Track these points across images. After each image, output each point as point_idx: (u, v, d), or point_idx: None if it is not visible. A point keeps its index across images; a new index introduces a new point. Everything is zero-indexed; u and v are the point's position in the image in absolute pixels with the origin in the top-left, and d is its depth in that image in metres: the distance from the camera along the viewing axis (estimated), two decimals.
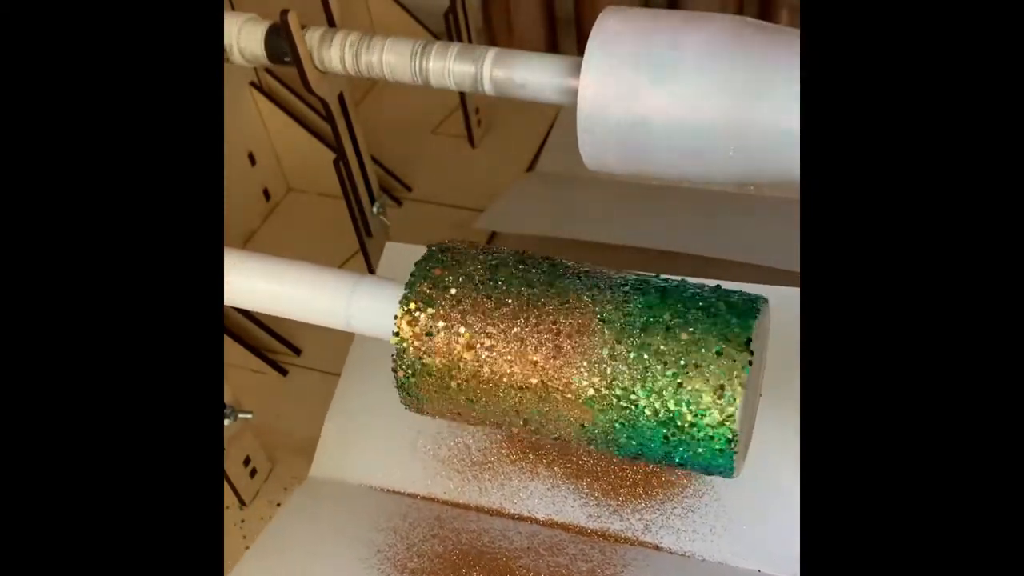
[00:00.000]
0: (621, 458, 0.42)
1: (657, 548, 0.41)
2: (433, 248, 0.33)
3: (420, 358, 0.31)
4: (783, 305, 0.34)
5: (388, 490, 0.46)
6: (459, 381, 0.31)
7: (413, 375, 0.32)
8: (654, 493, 0.43)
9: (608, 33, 0.33)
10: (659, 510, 0.42)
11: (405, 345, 0.31)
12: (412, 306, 0.31)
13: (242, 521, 0.51)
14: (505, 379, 0.30)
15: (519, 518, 0.43)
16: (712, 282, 0.31)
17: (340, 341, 0.39)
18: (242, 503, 0.52)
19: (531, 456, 0.44)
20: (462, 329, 0.31)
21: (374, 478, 0.46)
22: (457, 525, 0.43)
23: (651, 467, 0.43)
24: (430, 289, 0.31)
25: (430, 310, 0.31)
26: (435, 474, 0.45)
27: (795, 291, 0.29)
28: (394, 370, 0.32)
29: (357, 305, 0.34)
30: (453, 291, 0.31)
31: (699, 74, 0.32)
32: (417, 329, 0.31)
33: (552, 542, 0.42)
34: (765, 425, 0.34)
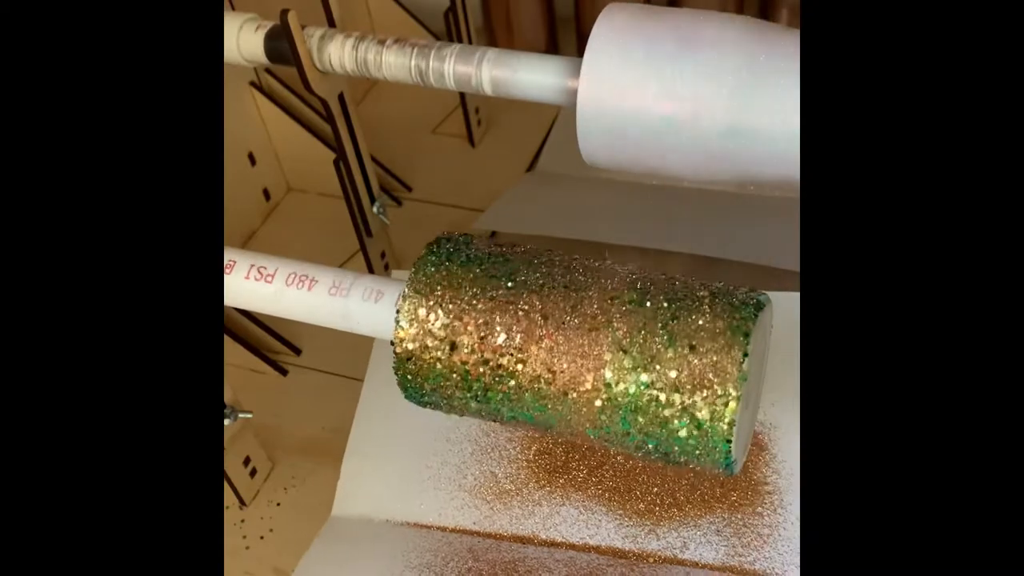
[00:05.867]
0: (653, 476, 0.42)
1: (697, 565, 0.41)
2: (434, 243, 0.33)
3: (421, 354, 0.31)
4: (783, 309, 0.34)
5: (415, 524, 0.44)
6: (462, 378, 0.31)
7: (414, 372, 0.32)
8: (689, 510, 0.42)
9: (608, 33, 0.33)
10: (696, 526, 0.42)
11: (406, 342, 0.31)
12: (413, 302, 0.31)
13: (242, 521, 0.51)
14: (508, 375, 0.30)
15: (554, 544, 0.42)
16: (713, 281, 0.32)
17: (340, 341, 0.39)
18: (242, 503, 0.52)
19: (561, 480, 0.44)
20: (464, 325, 0.31)
21: (399, 513, 0.45)
22: (491, 556, 0.42)
23: (685, 484, 0.42)
24: (431, 285, 0.31)
25: (432, 306, 0.31)
26: (463, 505, 0.44)
27: (795, 295, 0.28)
28: (395, 367, 0.32)
29: (356, 303, 0.33)
30: (455, 287, 0.31)
31: (699, 74, 0.32)
32: (418, 325, 0.31)
33: (591, 567, 0.41)
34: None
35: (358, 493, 0.45)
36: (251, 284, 0.35)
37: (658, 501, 0.42)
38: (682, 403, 0.29)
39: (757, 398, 0.32)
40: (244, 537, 0.51)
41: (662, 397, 0.29)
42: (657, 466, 0.43)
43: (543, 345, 0.30)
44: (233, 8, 0.59)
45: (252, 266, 0.35)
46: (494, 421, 0.33)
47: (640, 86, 0.32)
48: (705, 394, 0.28)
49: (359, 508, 0.45)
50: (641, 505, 0.42)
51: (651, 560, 0.41)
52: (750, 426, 0.31)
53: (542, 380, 0.30)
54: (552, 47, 0.77)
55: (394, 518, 0.44)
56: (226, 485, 0.50)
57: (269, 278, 0.34)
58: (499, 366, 0.30)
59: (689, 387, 0.28)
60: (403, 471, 0.45)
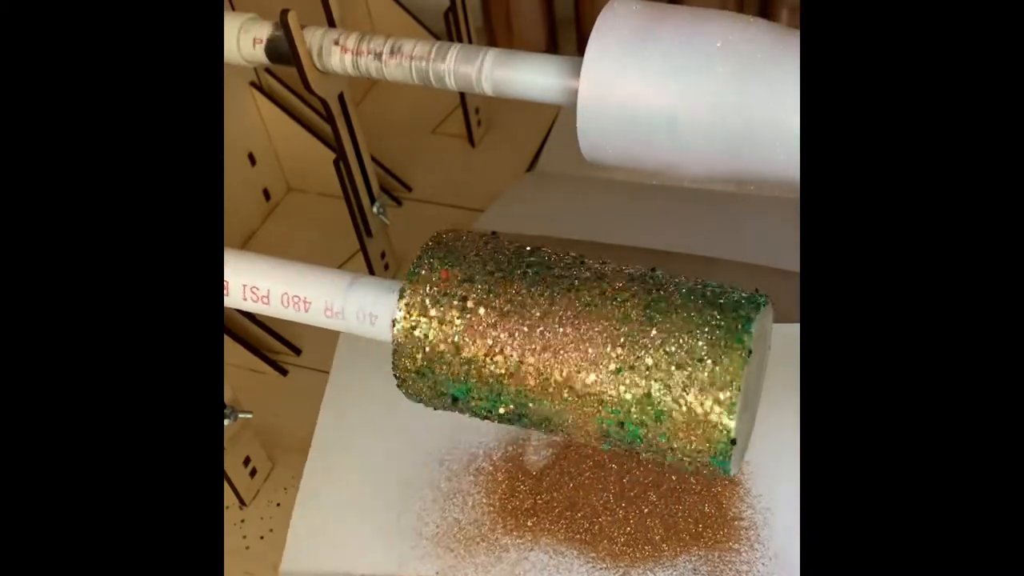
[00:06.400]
0: (626, 515, 0.41)
1: None
2: (432, 241, 0.33)
3: (418, 352, 0.31)
4: (774, 346, 0.33)
5: None
6: (458, 376, 0.31)
7: (412, 370, 0.32)
8: (665, 549, 0.41)
9: (609, 32, 0.33)
10: (672, 566, 0.41)
11: (404, 339, 0.31)
12: (412, 299, 0.31)
13: (242, 521, 0.51)
14: (504, 374, 0.30)
15: None
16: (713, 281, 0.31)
17: None
18: (242, 503, 0.52)
19: (529, 523, 0.42)
20: (462, 323, 0.31)
21: (356, 565, 0.42)
22: None
23: (659, 523, 0.41)
24: (429, 283, 0.31)
25: (429, 304, 0.31)
26: (424, 554, 0.42)
27: (792, 327, 0.28)
28: (393, 364, 0.32)
29: (353, 324, 0.33)
30: (453, 284, 0.31)
31: (699, 73, 0.32)
32: (416, 323, 0.31)
33: None
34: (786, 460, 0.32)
35: (309, 546, 0.43)
36: (248, 304, 0.35)
37: (631, 542, 0.41)
38: (680, 406, 0.29)
39: (756, 400, 0.32)
40: (244, 537, 0.51)
41: (659, 398, 0.29)
42: (629, 506, 0.42)
43: (540, 344, 0.30)
44: (233, 8, 0.59)
45: (245, 286, 0.35)
46: (490, 420, 0.33)
47: (640, 85, 0.32)
48: (705, 396, 0.28)
49: (311, 563, 0.43)
50: (614, 547, 0.41)
51: None
52: (749, 430, 0.31)
53: (543, 402, 0.30)
54: (552, 47, 0.77)
55: (350, 572, 0.42)
56: (226, 485, 0.50)
57: (265, 300, 0.34)
58: (497, 389, 0.31)
59: (687, 389, 0.29)
60: (359, 521, 0.44)
